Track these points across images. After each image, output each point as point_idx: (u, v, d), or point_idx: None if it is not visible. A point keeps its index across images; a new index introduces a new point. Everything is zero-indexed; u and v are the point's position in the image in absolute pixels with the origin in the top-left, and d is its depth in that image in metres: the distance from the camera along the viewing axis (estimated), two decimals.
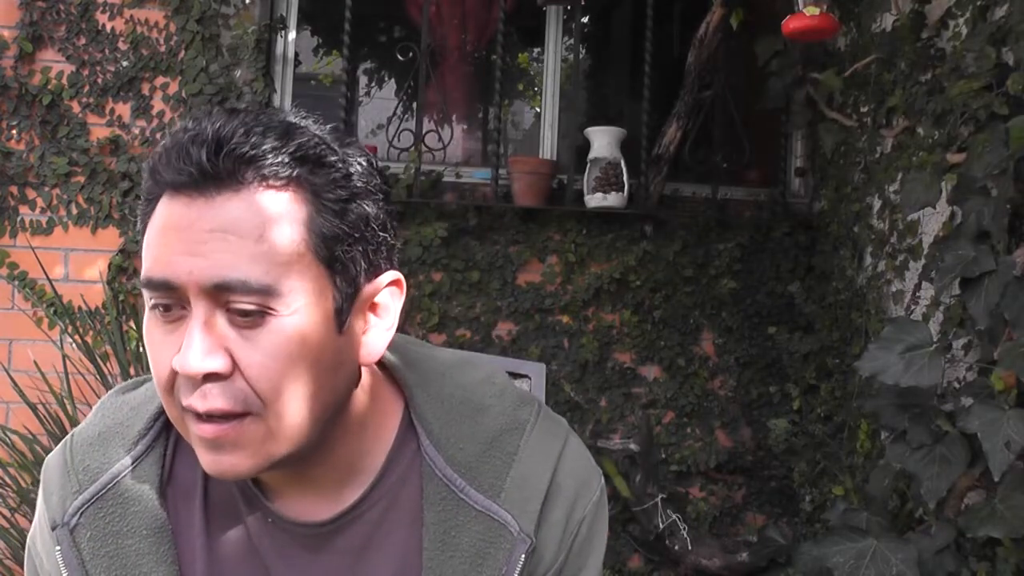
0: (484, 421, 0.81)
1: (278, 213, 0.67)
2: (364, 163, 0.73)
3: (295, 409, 0.69)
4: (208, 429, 0.68)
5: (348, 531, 0.78)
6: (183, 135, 0.68)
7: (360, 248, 0.71)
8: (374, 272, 0.74)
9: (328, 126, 0.74)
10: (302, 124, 0.71)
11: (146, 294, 0.69)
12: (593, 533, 0.83)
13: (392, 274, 0.75)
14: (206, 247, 0.65)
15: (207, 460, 0.70)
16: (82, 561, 0.76)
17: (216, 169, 0.66)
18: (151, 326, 0.70)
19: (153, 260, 0.67)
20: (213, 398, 0.67)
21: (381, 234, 0.73)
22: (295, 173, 0.68)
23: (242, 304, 0.66)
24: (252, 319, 0.67)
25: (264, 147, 0.67)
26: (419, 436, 0.80)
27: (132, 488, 0.78)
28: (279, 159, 0.67)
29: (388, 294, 0.76)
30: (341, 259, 0.70)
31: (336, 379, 0.72)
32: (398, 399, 0.83)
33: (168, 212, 0.67)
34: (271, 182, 0.67)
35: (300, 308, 0.68)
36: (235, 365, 0.67)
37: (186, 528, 0.79)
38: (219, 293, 0.66)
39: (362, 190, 0.71)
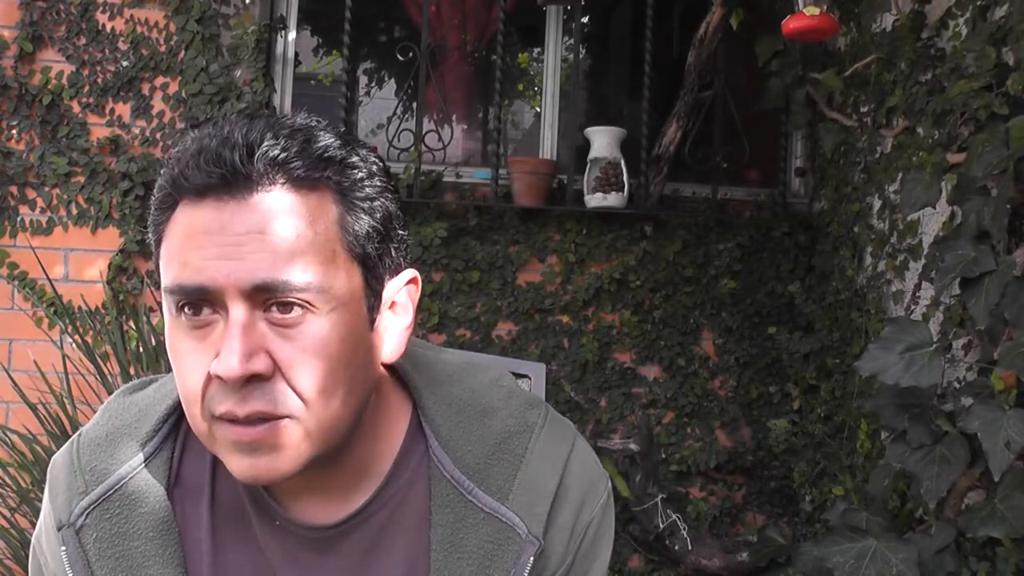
0: (492, 424, 0.81)
1: (312, 213, 0.68)
2: (379, 162, 0.75)
3: (332, 408, 0.69)
4: (247, 432, 0.67)
5: (355, 534, 0.78)
6: (210, 140, 0.67)
7: (386, 246, 0.73)
8: (395, 270, 0.75)
9: (337, 130, 0.75)
10: (321, 126, 0.72)
11: (171, 301, 0.68)
12: (600, 536, 0.83)
13: (410, 272, 0.77)
14: (243, 249, 0.65)
15: (243, 465, 0.69)
16: (87, 562, 0.76)
17: (249, 170, 0.66)
18: (178, 335, 0.69)
19: (183, 265, 0.67)
20: (254, 400, 0.67)
21: (401, 232, 0.75)
22: (324, 174, 0.69)
23: (283, 303, 0.66)
24: (292, 318, 0.67)
25: (294, 149, 0.68)
26: (427, 438, 0.80)
27: (139, 490, 0.77)
28: (308, 161, 0.68)
29: (407, 292, 0.77)
30: (372, 257, 0.71)
31: (367, 377, 0.73)
32: (406, 401, 0.83)
33: (195, 217, 0.67)
34: (302, 183, 0.68)
35: (337, 306, 0.68)
36: (275, 366, 0.67)
37: (193, 530, 0.78)
38: (258, 294, 0.66)
39: (383, 188, 0.73)
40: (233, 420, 0.67)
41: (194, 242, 0.67)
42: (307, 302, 0.67)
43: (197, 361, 0.68)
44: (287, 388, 0.67)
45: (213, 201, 0.67)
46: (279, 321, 0.67)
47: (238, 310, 0.66)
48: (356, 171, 0.71)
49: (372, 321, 0.73)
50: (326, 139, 0.70)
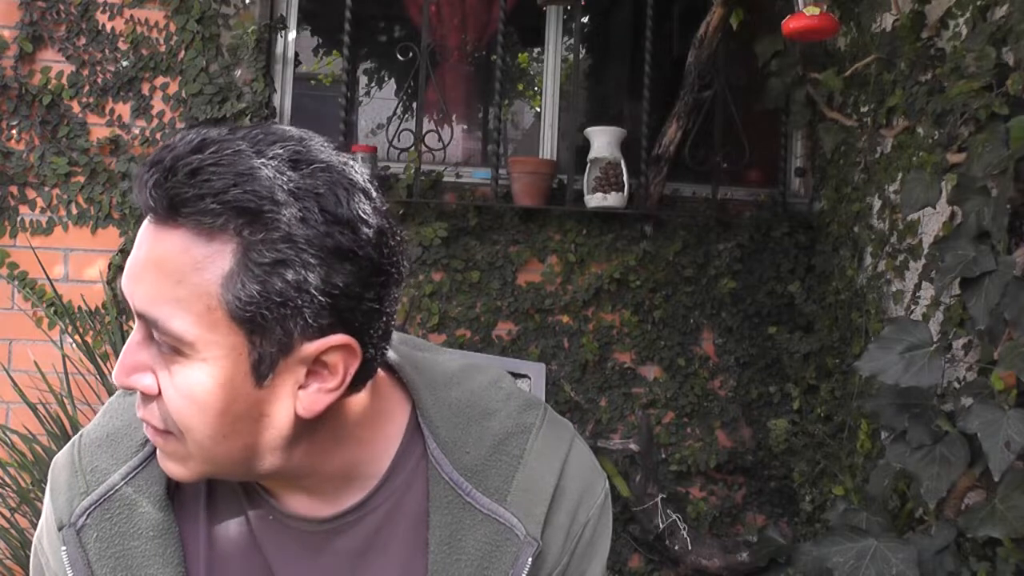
0: (491, 425, 0.81)
1: (200, 263, 0.65)
2: (330, 228, 0.66)
3: (208, 445, 0.70)
4: (148, 432, 0.73)
5: (350, 532, 0.79)
6: (155, 153, 0.68)
7: (290, 311, 0.66)
8: (317, 333, 0.68)
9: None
10: (263, 171, 0.65)
11: None
12: (597, 537, 0.84)
13: (341, 338, 0.69)
14: (141, 275, 0.68)
15: (159, 457, 0.75)
16: (88, 562, 0.77)
17: (156, 203, 0.66)
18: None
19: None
20: (144, 411, 0.72)
21: (321, 298, 0.67)
22: (227, 223, 0.65)
23: (160, 339, 0.68)
24: (168, 354, 0.68)
25: (202, 190, 0.64)
26: (426, 440, 0.80)
27: (139, 490, 0.78)
28: (212, 206, 0.64)
29: (337, 355, 0.70)
30: (259, 321, 0.66)
31: (259, 426, 0.71)
32: (405, 401, 0.83)
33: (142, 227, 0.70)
34: (202, 228, 0.65)
35: (209, 358, 0.67)
36: (158, 391, 0.70)
37: (192, 528, 0.79)
38: (145, 320, 0.68)
39: (304, 257, 0.66)
40: None
41: (132, 253, 0.70)
42: (177, 348, 0.67)
43: None
44: (168, 413, 0.70)
45: (146, 218, 0.69)
46: (164, 351, 0.69)
47: (138, 328, 0.70)
48: (268, 230, 0.65)
49: (262, 377, 0.68)
50: (251, 186, 0.64)
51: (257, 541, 0.79)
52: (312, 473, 0.76)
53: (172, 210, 0.65)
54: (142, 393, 0.70)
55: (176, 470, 0.73)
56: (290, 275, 0.65)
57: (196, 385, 0.68)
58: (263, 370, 0.68)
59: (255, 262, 0.65)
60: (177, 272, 0.66)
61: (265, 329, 0.67)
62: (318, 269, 0.66)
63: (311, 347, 0.69)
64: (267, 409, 0.70)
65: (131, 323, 2.57)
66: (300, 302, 0.66)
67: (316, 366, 0.70)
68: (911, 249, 2.42)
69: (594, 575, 0.84)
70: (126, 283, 0.69)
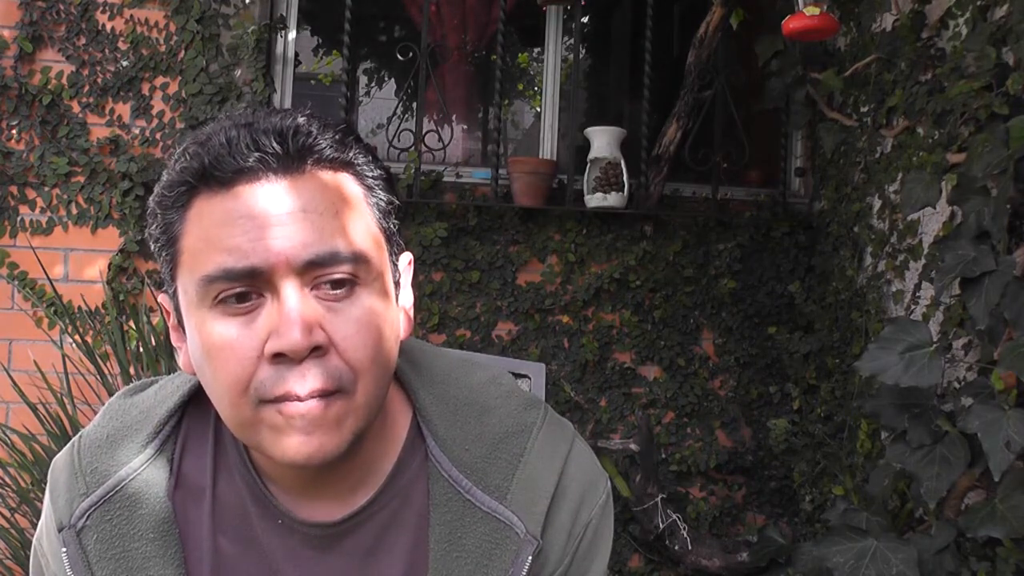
0: (490, 422, 0.81)
1: (344, 192, 0.71)
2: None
3: (377, 382, 0.71)
4: (304, 407, 0.67)
5: (358, 532, 0.78)
6: (236, 130, 0.68)
7: (396, 223, 0.77)
8: (401, 249, 0.78)
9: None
10: (322, 117, 0.75)
11: (209, 291, 0.68)
12: (598, 537, 0.83)
13: (407, 254, 0.80)
14: (289, 228, 0.67)
15: (295, 443, 0.68)
16: (88, 563, 0.76)
17: (287, 154, 0.69)
18: (220, 325, 0.68)
19: (226, 252, 0.67)
20: (313, 378, 0.67)
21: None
22: (348, 157, 0.72)
23: (332, 276, 0.68)
24: (340, 292, 0.69)
25: (327, 135, 0.71)
26: (425, 438, 0.80)
27: (140, 491, 0.77)
28: (334, 144, 0.71)
29: (406, 273, 0.80)
30: (392, 232, 0.76)
31: (395, 355, 0.75)
32: (407, 402, 0.83)
33: (227, 204, 0.68)
34: (332, 165, 0.71)
35: (375, 279, 0.71)
36: (329, 340, 0.68)
37: (194, 530, 0.78)
38: (308, 271, 0.67)
39: (381, 171, 0.76)
40: (288, 400, 0.67)
41: (236, 228, 0.67)
42: (354, 275, 0.69)
43: (244, 346, 0.67)
44: (341, 362, 0.68)
45: (245, 186, 0.68)
46: (328, 297, 0.69)
47: (290, 287, 0.67)
48: (368, 153, 0.75)
49: (396, 297, 0.76)
50: (339, 125, 0.74)
51: (263, 546, 0.78)
52: (342, 462, 0.75)
53: (301, 158, 0.70)
54: (310, 355, 0.67)
55: (328, 442, 0.68)
56: (389, 187, 0.76)
57: (370, 311, 0.70)
58: (396, 289, 0.76)
59: (372, 178, 0.74)
60: (331, 206, 0.69)
61: (391, 240, 0.76)
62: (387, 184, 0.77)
63: (401, 262, 0.78)
64: (397, 332, 0.76)
65: (131, 323, 2.58)
66: (397, 213, 0.77)
67: (398, 284, 0.78)
68: (911, 249, 2.42)
69: (596, 575, 0.84)
70: (259, 249, 0.66)
